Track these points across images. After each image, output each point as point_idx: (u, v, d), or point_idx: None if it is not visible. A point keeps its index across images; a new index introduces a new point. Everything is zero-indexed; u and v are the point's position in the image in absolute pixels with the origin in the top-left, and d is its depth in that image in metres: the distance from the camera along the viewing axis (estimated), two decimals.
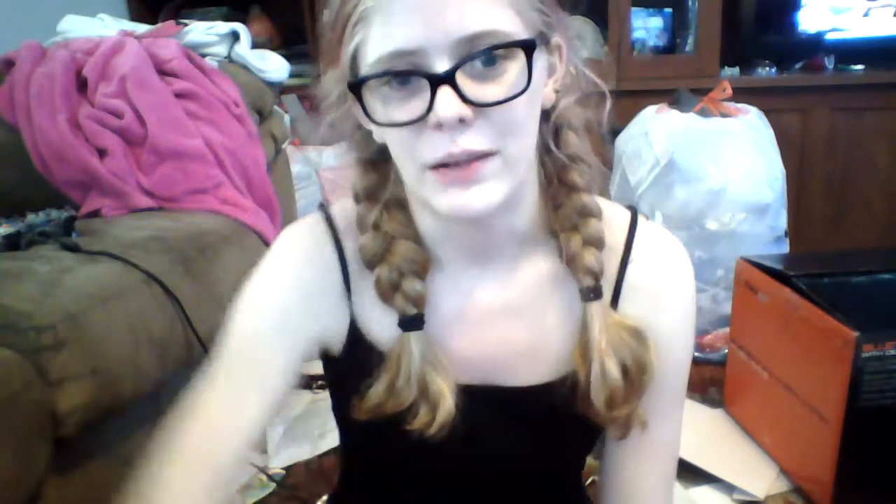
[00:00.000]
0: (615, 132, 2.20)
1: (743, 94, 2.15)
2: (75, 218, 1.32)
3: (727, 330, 1.72)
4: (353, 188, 0.69)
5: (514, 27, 0.56)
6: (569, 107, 0.66)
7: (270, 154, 1.80)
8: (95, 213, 1.46)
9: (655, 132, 2.01)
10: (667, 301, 0.69)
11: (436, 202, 0.59)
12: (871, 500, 1.30)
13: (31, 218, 1.28)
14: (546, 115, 0.65)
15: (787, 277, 1.41)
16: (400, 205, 0.67)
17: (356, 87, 0.58)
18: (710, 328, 1.96)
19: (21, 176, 1.48)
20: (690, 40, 2.53)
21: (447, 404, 0.64)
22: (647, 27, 2.62)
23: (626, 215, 0.71)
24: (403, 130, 0.58)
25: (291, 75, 1.97)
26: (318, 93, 0.66)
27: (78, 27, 1.81)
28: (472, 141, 0.56)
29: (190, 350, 1.23)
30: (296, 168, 2.25)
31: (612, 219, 0.69)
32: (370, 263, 0.66)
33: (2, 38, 1.74)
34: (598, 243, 0.65)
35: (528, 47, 0.56)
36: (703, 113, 2.02)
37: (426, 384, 0.65)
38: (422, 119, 0.56)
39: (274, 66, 1.87)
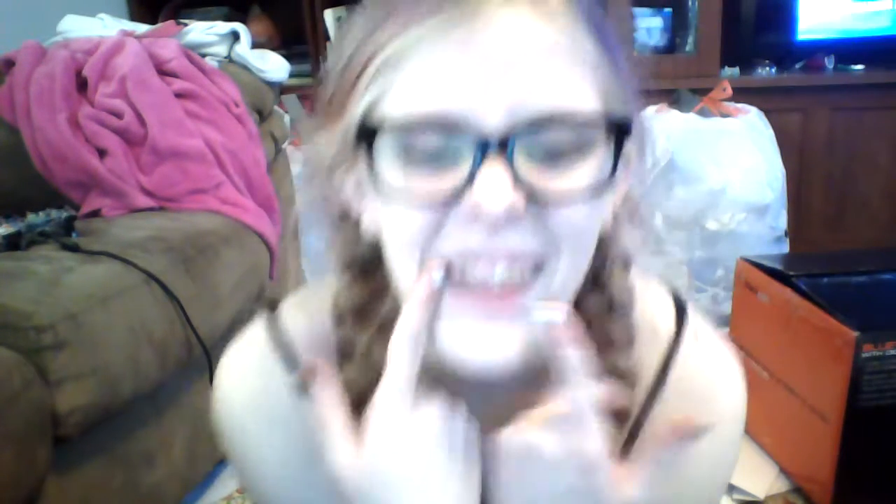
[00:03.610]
0: None
1: (743, 94, 2.16)
2: (75, 218, 1.32)
3: (727, 330, 1.72)
4: (336, 305, 0.52)
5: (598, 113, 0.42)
6: (623, 236, 0.51)
7: (270, 154, 1.79)
8: (95, 213, 1.46)
9: (655, 132, 2.01)
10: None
11: (435, 331, 0.44)
12: (871, 500, 1.30)
13: (31, 218, 1.28)
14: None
15: (787, 277, 1.41)
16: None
17: (369, 134, 0.43)
18: None
19: (21, 176, 1.48)
20: (690, 40, 2.53)
21: None
22: (647, 27, 2.61)
23: (670, 323, 0.54)
24: (418, 214, 0.42)
25: (291, 75, 1.97)
26: (305, 157, 0.51)
27: (78, 27, 1.81)
28: (517, 240, 0.42)
29: (190, 350, 1.23)
30: (296, 168, 2.25)
31: (651, 336, 0.54)
32: (358, 402, 0.50)
33: (2, 38, 1.74)
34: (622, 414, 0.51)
35: (623, 131, 0.43)
36: (703, 113, 2.02)
37: None
38: (453, 198, 0.41)
39: (274, 66, 1.86)
